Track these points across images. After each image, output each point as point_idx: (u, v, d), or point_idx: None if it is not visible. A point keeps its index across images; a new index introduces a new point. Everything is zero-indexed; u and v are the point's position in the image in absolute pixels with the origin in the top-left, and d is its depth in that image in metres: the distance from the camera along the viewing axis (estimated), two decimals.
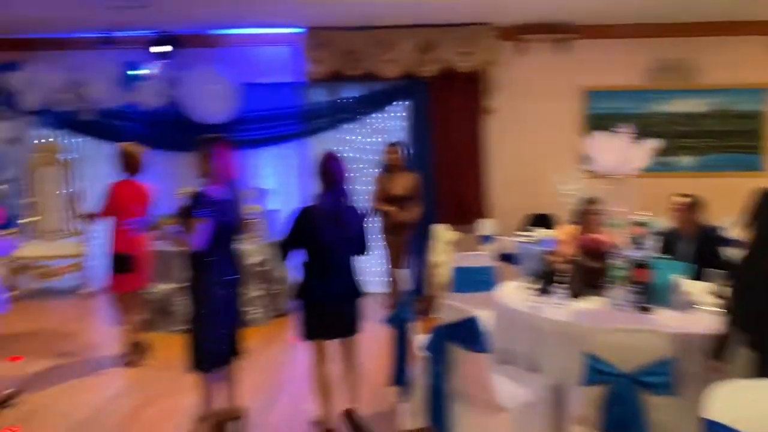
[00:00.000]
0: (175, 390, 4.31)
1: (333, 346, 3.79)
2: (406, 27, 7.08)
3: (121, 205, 4.91)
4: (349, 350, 3.82)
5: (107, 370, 5.02)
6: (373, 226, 5.92)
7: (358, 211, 3.76)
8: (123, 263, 4.96)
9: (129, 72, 7.00)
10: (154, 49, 7.15)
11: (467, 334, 2.88)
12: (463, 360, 2.94)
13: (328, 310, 3.65)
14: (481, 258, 4.96)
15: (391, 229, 6.09)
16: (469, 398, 3.01)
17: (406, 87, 7.30)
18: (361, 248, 3.74)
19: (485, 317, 2.97)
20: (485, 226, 6.56)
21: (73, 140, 7.63)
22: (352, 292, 3.72)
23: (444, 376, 2.98)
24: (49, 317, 6.62)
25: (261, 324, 6.01)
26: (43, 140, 7.55)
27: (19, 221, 7.19)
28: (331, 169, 3.64)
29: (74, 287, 7.27)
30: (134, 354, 5.13)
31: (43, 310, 6.89)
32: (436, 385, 3.01)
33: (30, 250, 7.05)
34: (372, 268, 6.88)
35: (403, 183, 6.06)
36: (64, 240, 7.38)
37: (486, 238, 6.36)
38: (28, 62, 7.11)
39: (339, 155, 3.74)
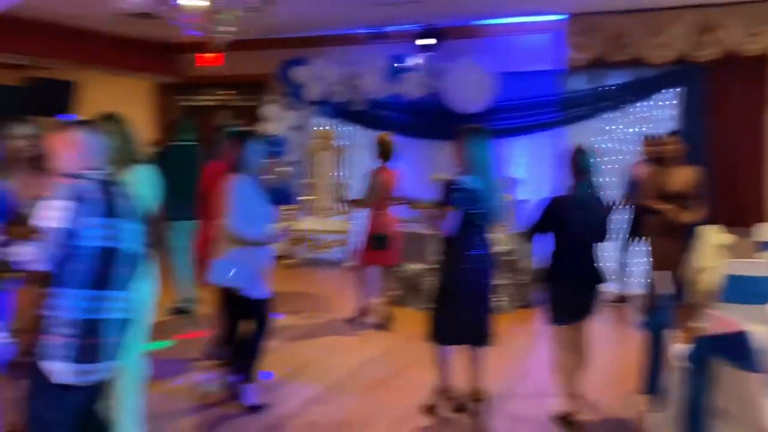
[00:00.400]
0: (421, 362, 4.54)
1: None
2: (680, 8, 6.48)
3: (378, 189, 5.39)
4: (581, 334, 3.83)
5: (363, 336, 5.53)
6: (643, 223, 5.56)
7: (605, 202, 3.85)
8: (378, 241, 5.43)
9: (396, 65, 7.49)
10: (419, 42, 7.55)
11: (736, 349, 2.60)
12: (729, 376, 2.66)
13: (572, 294, 3.73)
14: (759, 266, 4.38)
15: (663, 230, 5.37)
16: (734, 419, 2.71)
17: (679, 73, 6.70)
18: (602, 237, 3.82)
19: (760, 333, 2.63)
20: (766, 231, 5.75)
21: (345, 128, 8.45)
22: (594, 277, 3.78)
23: (705, 391, 2.73)
24: (318, 283, 7.45)
25: (505, 312, 6.05)
26: (321, 128, 8.46)
27: (299, 199, 8.20)
28: (580, 161, 3.71)
29: (339, 260, 8.06)
30: (384, 323, 5.61)
31: (313, 277, 7.79)
32: (695, 400, 2.76)
33: (306, 224, 8.01)
34: (631, 268, 6.49)
35: (683, 178, 5.22)
36: (333, 217, 8.22)
37: (766, 245, 5.58)
38: (312, 57, 8.00)
39: (589, 148, 3.83)
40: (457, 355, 3.94)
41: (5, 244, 2.21)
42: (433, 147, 7.48)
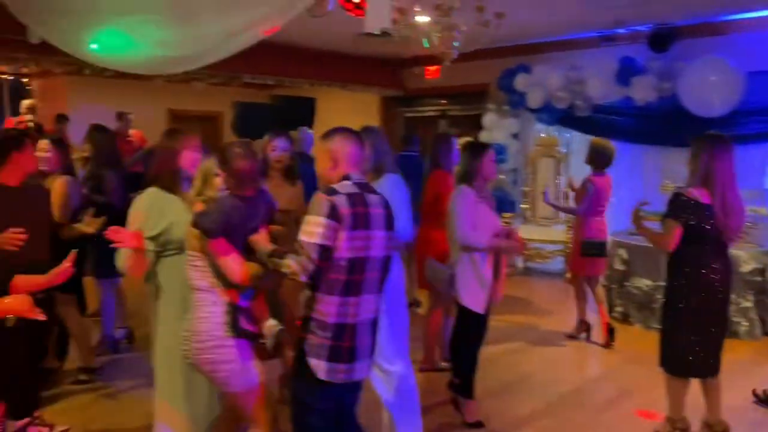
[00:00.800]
0: (650, 386, 4.26)
1: None
2: None
3: (594, 196, 5.25)
4: None
5: (584, 352, 5.34)
6: None
7: None
8: (590, 248, 5.25)
9: (625, 68, 7.10)
10: (651, 43, 7.09)
11: None
12: None
13: None
14: None
15: None
16: None
17: None
18: None
19: None
20: None
21: (566, 135, 8.22)
22: None
23: None
24: (537, 294, 7.33)
25: (749, 338, 5.44)
26: (543, 135, 8.32)
27: (519, 207, 8.16)
28: None
29: (560, 270, 7.85)
30: (606, 340, 5.34)
31: (531, 286, 7.69)
32: None
33: (523, 233, 7.91)
34: None
35: None
36: (553, 227, 8.04)
37: None
38: (534, 64, 7.91)
39: None
40: (692, 383, 3.62)
41: (279, 255, 2.47)
42: (666, 155, 6.97)
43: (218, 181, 2.66)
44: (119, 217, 3.00)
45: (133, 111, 8.44)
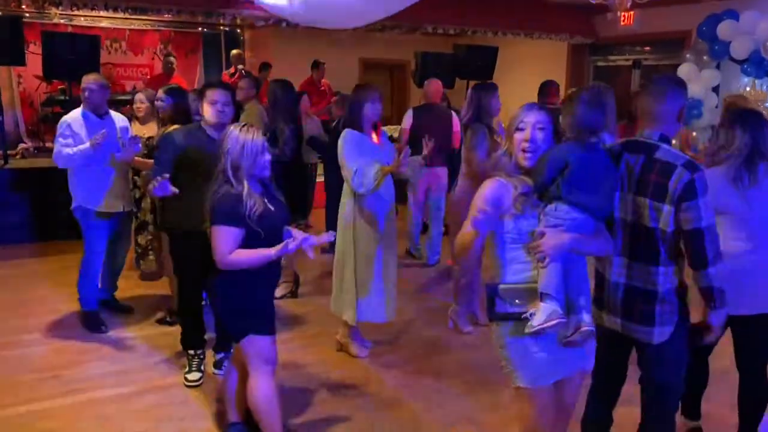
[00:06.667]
0: None
1: None
2: None
3: None
4: None
5: None
6: None
7: None
8: None
9: None
10: None
11: None
12: None
13: None
14: None
15: None
16: None
17: None
18: None
19: None
20: None
21: None
22: None
23: None
24: None
25: None
26: (748, 89, 7.46)
27: None
28: None
29: None
30: None
31: None
32: None
33: None
34: None
35: None
36: None
37: None
38: (742, 10, 7.06)
39: None
40: None
41: None
42: None
43: None
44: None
45: (327, 60, 8.99)
